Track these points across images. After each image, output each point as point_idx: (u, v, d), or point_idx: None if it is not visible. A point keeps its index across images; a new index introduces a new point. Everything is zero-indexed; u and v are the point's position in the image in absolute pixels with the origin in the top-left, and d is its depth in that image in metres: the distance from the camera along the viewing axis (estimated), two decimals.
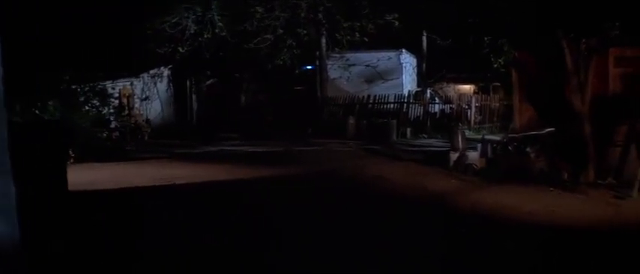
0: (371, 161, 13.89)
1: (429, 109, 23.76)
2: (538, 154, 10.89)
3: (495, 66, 23.02)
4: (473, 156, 11.55)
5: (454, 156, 11.62)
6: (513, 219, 7.50)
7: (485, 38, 20.77)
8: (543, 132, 10.95)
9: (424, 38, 23.33)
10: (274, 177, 11.60)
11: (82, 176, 10.46)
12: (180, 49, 22.57)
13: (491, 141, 12.32)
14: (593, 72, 9.94)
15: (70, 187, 8.35)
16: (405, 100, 23.20)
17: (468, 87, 33.73)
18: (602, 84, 10.17)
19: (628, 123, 9.95)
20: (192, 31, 22.83)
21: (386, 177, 10.92)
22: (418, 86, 27.66)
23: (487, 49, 21.74)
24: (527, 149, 10.96)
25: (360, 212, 8.04)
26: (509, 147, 11.35)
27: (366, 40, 22.91)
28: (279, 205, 8.51)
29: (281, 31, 22.86)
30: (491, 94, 26.45)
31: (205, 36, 22.76)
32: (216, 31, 22.72)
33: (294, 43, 23.19)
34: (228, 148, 17.97)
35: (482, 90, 31.78)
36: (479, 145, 12.24)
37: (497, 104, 24.66)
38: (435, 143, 19.77)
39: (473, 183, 10.45)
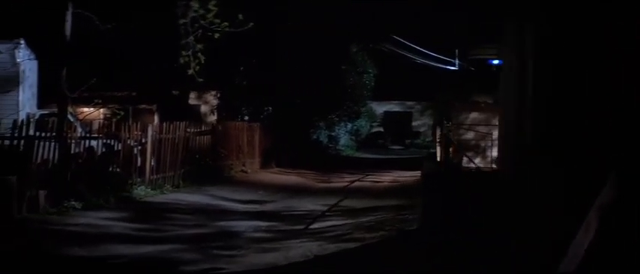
0: None
1: (77, 148, 13.13)
2: None
3: (190, 72, 14.12)
4: None
5: None
6: None
7: None
8: None
9: (69, 15, 12.37)
10: None
11: None
12: None
13: None
14: None
15: None
16: (35, 133, 12.00)
17: (96, 113, 23.81)
18: None
19: None
20: None
21: None
22: (40, 107, 16.63)
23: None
24: None
25: None
26: None
27: None
28: None
29: None
30: (131, 122, 16.56)
31: None
32: None
33: None
34: None
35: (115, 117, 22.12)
36: None
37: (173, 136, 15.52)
38: (104, 224, 9.76)
39: None
